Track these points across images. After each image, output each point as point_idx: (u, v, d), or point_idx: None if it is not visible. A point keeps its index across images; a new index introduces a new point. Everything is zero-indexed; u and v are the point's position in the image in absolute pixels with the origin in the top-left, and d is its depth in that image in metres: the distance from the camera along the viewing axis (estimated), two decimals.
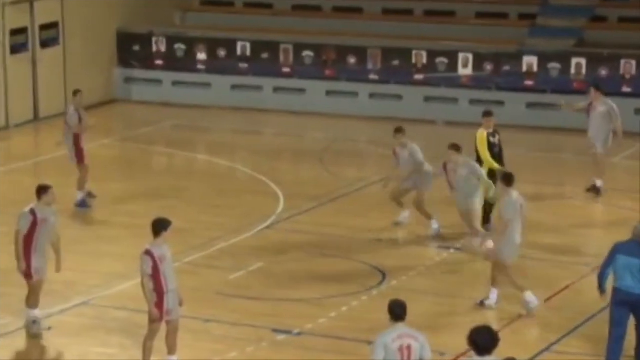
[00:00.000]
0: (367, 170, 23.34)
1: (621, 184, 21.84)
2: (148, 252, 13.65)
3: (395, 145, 19.32)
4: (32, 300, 15.12)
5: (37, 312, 15.13)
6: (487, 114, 19.28)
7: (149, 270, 13.59)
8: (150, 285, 13.61)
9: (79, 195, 20.38)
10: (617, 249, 13.79)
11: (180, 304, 13.94)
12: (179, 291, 13.91)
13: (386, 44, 27.58)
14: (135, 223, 19.13)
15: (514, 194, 15.83)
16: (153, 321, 13.72)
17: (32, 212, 14.98)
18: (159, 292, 13.62)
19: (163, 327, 13.84)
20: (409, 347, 11.12)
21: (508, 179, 15.96)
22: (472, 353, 10.48)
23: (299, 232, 19.29)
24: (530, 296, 15.70)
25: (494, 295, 15.97)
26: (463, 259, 18.18)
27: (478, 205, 18.02)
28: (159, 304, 13.65)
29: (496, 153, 18.97)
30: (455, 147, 18.01)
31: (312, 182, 22.43)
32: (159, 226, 13.79)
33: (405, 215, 19.43)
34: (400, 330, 11.17)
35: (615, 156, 22.89)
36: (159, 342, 13.89)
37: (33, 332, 15.05)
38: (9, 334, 15.17)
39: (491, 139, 18.94)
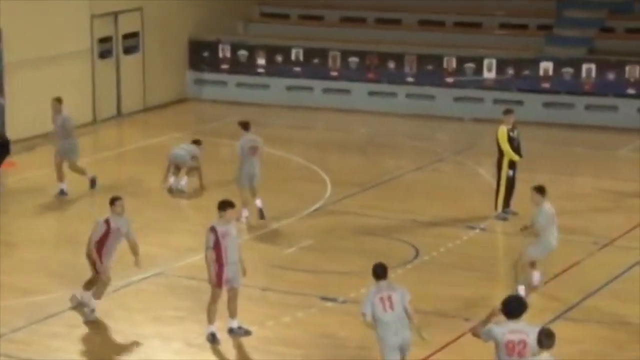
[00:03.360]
0: (404, 161, 23.29)
1: (623, 174, 21.67)
2: (212, 229, 13.75)
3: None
4: (89, 286, 14.75)
5: (87, 296, 14.73)
6: (508, 112, 19.18)
7: (211, 244, 13.68)
8: (212, 256, 13.70)
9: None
10: None
11: (243, 274, 14.02)
12: (242, 263, 13.99)
13: (421, 51, 27.47)
14: (204, 205, 19.25)
15: (546, 205, 15.22)
16: (213, 287, 13.81)
17: (107, 221, 14.58)
18: (220, 263, 13.72)
19: (225, 294, 13.93)
20: (389, 297, 11.94)
21: (541, 190, 15.26)
22: (504, 318, 10.42)
23: (344, 214, 19.29)
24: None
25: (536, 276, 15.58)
26: (487, 238, 18.14)
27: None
28: (219, 273, 13.74)
29: (515, 146, 18.89)
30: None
31: (356, 170, 22.42)
32: (222, 206, 13.89)
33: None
34: (381, 286, 12.04)
35: (621, 150, 22.73)
36: (222, 307, 13.98)
37: (86, 317, 14.61)
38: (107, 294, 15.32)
39: (511, 134, 18.85)
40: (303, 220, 18.76)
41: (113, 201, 14.76)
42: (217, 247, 13.71)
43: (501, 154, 18.78)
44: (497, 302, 14.90)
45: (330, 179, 21.32)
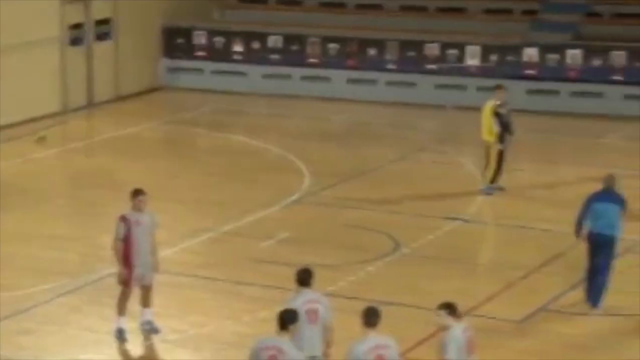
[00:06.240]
0: (385, 150, 23.32)
1: (616, 163, 21.70)
2: (122, 218, 13.47)
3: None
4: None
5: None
6: (498, 87, 19.37)
7: (121, 235, 13.39)
8: (121, 248, 13.41)
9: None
10: (592, 199, 14.63)
11: (155, 269, 13.62)
12: (157, 257, 13.66)
13: (403, 37, 27.50)
14: (176, 197, 19.19)
15: None
16: (122, 284, 13.51)
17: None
18: (130, 254, 13.42)
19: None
20: (315, 311, 11.30)
21: None
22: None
23: (323, 205, 19.30)
24: None
25: None
26: (469, 229, 18.19)
27: None
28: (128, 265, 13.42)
29: (504, 122, 19.00)
30: None
31: (335, 160, 22.43)
32: (133, 194, 13.53)
33: None
34: (308, 296, 11.34)
35: (607, 138, 22.78)
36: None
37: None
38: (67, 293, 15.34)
39: (499, 110, 18.95)
40: (280, 212, 18.76)
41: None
42: (127, 238, 13.33)
43: (490, 128, 18.95)
44: (480, 295, 15.01)
45: (308, 169, 21.33)
